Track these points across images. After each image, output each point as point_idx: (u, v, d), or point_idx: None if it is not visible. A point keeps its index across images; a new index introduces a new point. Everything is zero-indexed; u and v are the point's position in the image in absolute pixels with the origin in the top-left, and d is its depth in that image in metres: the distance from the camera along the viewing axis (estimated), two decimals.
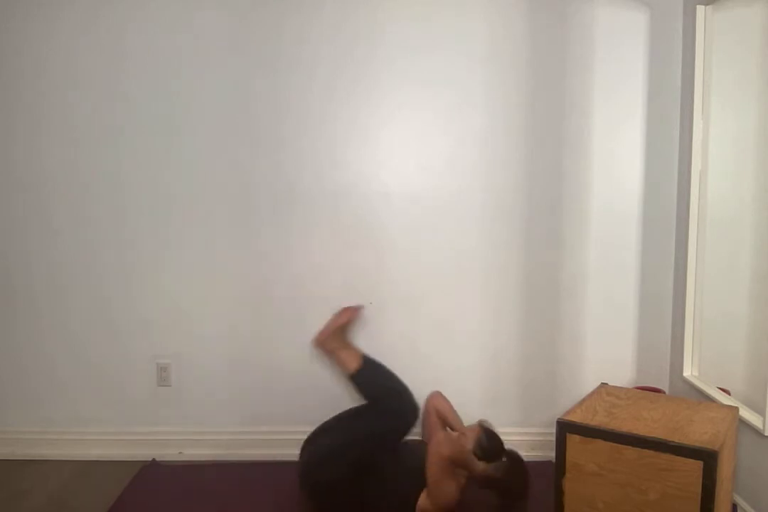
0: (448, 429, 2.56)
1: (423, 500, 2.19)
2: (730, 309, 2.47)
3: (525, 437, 2.80)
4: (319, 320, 2.76)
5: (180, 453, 2.81)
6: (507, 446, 2.33)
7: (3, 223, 2.76)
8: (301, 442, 2.42)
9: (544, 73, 2.69)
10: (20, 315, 2.80)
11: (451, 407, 2.60)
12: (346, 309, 2.59)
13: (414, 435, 2.57)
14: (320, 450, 2.30)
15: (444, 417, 2.56)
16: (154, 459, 2.76)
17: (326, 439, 2.34)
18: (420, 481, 2.20)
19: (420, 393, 2.78)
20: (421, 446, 2.43)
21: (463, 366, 2.82)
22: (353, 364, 2.46)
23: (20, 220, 2.75)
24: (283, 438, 2.77)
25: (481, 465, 2.24)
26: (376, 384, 2.45)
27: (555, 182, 2.74)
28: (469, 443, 2.26)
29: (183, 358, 2.81)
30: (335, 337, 2.53)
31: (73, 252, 2.76)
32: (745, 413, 2.18)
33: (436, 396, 2.64)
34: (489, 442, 2.28)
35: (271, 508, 2.38)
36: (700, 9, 2.49)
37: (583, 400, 2.17)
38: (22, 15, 2.66)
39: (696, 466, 1.78)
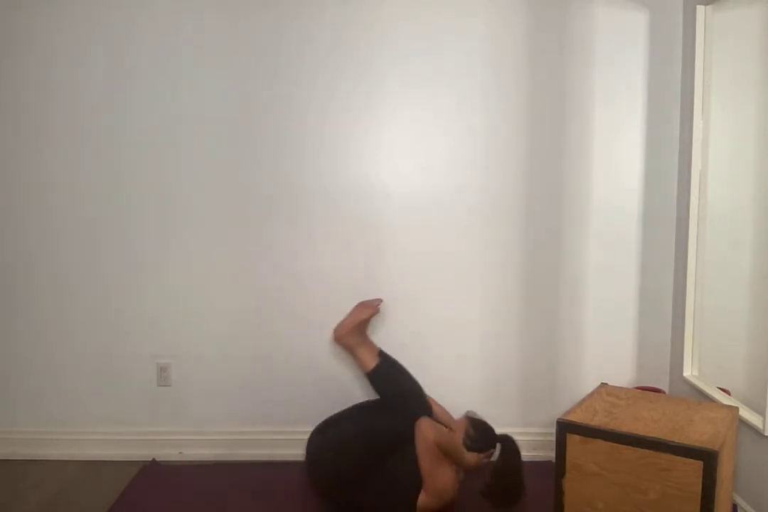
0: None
1: (422, 497, 2.19)
2: (730, 308, 2.47)
3: (525, 437, 2.80)
4: (318, 320, 2.77)
5: (180, 453, 2.81)
6: (499, 432, 2.35)
7: (5, 222, 2.76)
8: (302, 442, 2.41)
9: (544, 73, 2.69)
10: (21, 315, 2.80)
11: (442, 409, 2.60)
12: (364, 305, 2.56)
13: None
14: (327, 444, 2.29)
15: (435, 415, 2.55)
16: (154, 459, 2.76)
17: (335, 432, 2.32)
18: (414, 480, 2.21)
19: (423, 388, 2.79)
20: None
21: (463, 366, 2.82)
22: (371, 362, 2.44)
23: (22, 219, 2.76)
24: (283, 438, 2.78)
25: (474, 457, 2.24)
26: (393, 383, 2.44)
27: (555, 182, 2.74)
28: (459, 436, 2.26)
29: (183, 358, 2.81)
30: (354, 333, 2.49)
31: (74, 252, 2.76)
32: (745, 413, 2.18)
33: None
34: (477, 431, 2.29)
35: (271, 508, 2.38)
36: (700, 9, 2.49)
37: (583, 400, 2.17)
38: (26, 14, 2.66)
39: (696, 466, 1.78)
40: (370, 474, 2.21)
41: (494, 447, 2.30)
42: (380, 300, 2.59)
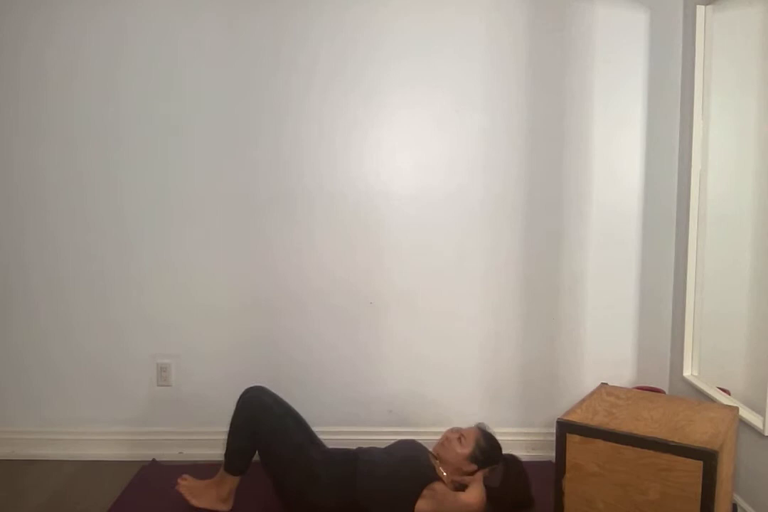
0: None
1: (424, 504, 2.17)
2: (730, 308, 2.47)
3: (525, 437, 2.80)
4: (318, 320, 2.77)
5: (180, 453, 2.81)
6: (504, 448, 2.33)
7: (2, 222, 2.76)
8: None
9: (544, 73, 2.69)
10: (21, 315, 2.80)
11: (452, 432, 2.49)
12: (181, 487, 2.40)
13: (408, 435, 2.57)
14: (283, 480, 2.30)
15: (447, 436, 2.49)
16: (154, 459, 2.76)
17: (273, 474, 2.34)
18: (415, 479, 2.20)
19: (419, 392, 2.80)
20: (417, 444, 2.43)
21: (462, 366, 2.82)
22: (230, 481, 2.35)
23: (19, 220, 2.75)
24: None
25: (477, 472, 2.23)
26: (236, 453, 2.33)
27: (555, 182, 2.74)
28: (468, 445, 2.25)
29: (183, 358, 2.81)
30: (204, 498, 2.35)
31: (73, 252, 2.76)
32: (745, 413, 2.17)
33: (451, 429, 2.52)
34: (487, 444, 2.27)
35: (271, 508, 2.38)
36: (700, 9, 2.49)
37: (583, 400, 2.17)
38: (20, 14, 2.66)
39: (696, 466, 1.78)
40: (360, 475, 2.22)
41: (498, 463, 2.28)
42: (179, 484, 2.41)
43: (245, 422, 2.33)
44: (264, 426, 2.30)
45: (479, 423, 2.38)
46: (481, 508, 2.15)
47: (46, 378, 2.82)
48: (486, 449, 2.26)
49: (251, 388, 2.41)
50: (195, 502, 2.34)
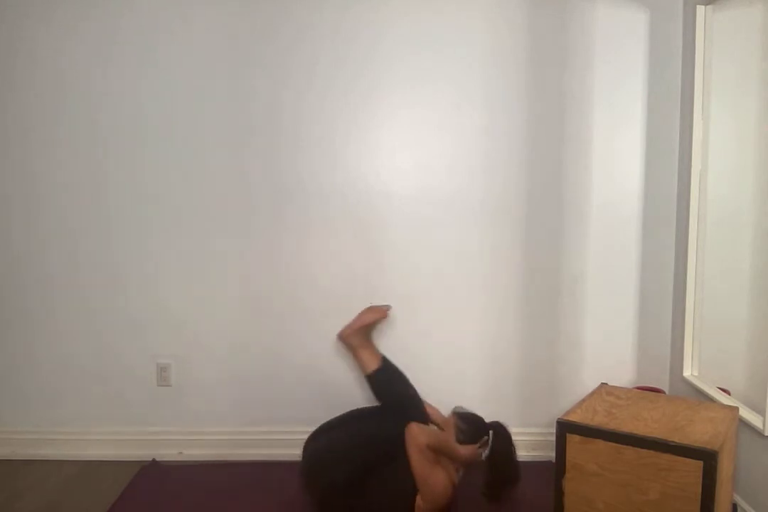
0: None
1: (419, 500, 2.19)
2: (730, 309, 2.47)
3: (525, 437, 2.80)
4: (318, 320, 2.77)
5: (180, 453, 2.81)
6: (489, 420, 2.39)
7: (12, 224, 2.76)
8: (302, 442, 2.41)
9: (544, 72, 2.69)
10: (20, 315, 2.80)
11: (433, 408, 2.60)
12: (373, 309, 2.58)
13: None
14: (324, 451, 2.28)
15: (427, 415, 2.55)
16: (154, 459, 2.76)
17: (329, 438, 2.32)
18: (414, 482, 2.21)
19: (419, 392, 2.78)
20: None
21: (463, 366, 2.82)
22: (372, 365, 2.46)
23: (21, 220, 2.75)
24: (283, 438, 2.77)
25: (470, 449, 2.25)
26: (392, 388, 2.46)
27: (555, 182, 2.74)
28: (450, 434, 2.27)
29: (183, 358, 2.81)
30: (359, 334, 2.51)
31: (74, 252, 2.76)
32: (745, 413, 2.17)
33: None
34: (466, 424, 2.29)
35: (271, 508, 2.38)
36: (700, 9, 2.49)
37: (583, 400, 2.17)
38: (12, 14, 2.66)
39: (696, 466, 1.78)
40: (367, 480, 2.21)
41: (487, 434, 2.31)
42: (389, 307, 2.61)
43: (416, 402, 2.46)
44: (411, 402, 2.41)
45: (455, 407, 2.44)
46: (426, 436, 2.19)
47: (46, 379, 2.82)
48: (466, 429, 2.30)
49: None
50: (357, 322, 2.51)
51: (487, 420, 2.44)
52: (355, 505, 2.21)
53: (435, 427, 2.41)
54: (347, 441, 2.28)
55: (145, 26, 2.67)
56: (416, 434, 2.17)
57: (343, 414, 2.44)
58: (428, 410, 2.57)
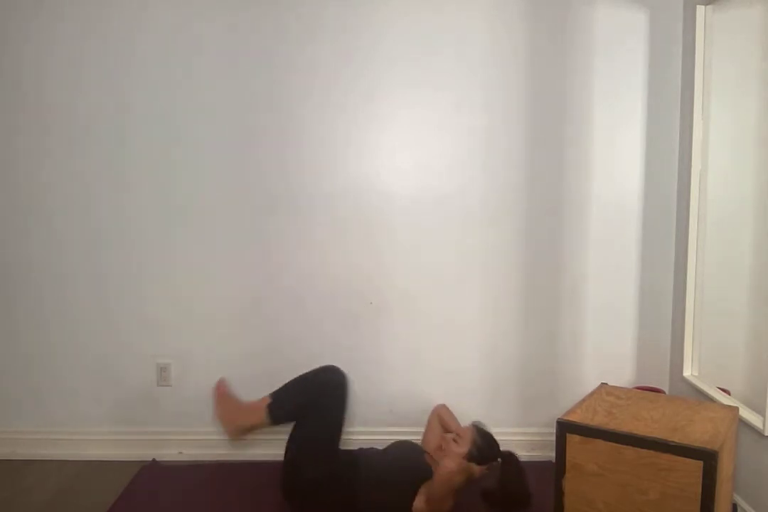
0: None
1: (420, 503, 2.19)
2: (730, 308, 2.47)
3: (525, 437, 2.80)
4: (319, 320, 2.77)
5: (180, 453, 2.81)
6: (503, 447, 2.34)
7: (6, 223, 2.76)
8: None
9: (544, 73, 2.69)
10: (21, 315, 2.80)
11: (452, 416, 2.59)
12: (214, 392, 2.41)
13: (408, 435, 2.57)
14: (295, 451, 2.31)
15: (445, 423, 2.55)
16: (154, 459, 2.76)
17: (294, 447, 2.34)
18: (411, 480, 2.22)
19: (420, 392, 2.79)
20: (414, 445, 2.44)
21: (463, 366, 2.82)
22: (259, 417, 2.30)
23: (23, 220, 2.75)
24: (283, 438, 2.76)
25: (475, 469, 2.23)
26: (290, 408, 2.33)
27: (555, 182, 2.74)
28: (465, 444, 2.25)
29: (183, 358, 2.81)
30: (233, 415, 2.33)
31: (74, 253, 2.76)
32: (745, 413, 2.17)
33: (442, 406, 2.64)
34: (484, 442, 2.28)
35: (271, 508, 2.38)
36: (700, 9, 2.49)
37: (583, 400, 2.17)
38: (24, 15, 2.66)
39: (696, 466, 1.78)
40: (357, 475, 2.24)
41: (496, 460, 2.29)
42: (223, 380, 2.44)
43: (319, 384, 2.32)
44: (330, 400, 2.30)
45: (475, 421, 2.39)
46: (459, 468, 2.18)
47: (47, 379, 2.82)
48: (483, 447, 2.27)
49: (341, 371, 2.38)
50: (218, 409, 2.31)
51: (488, 421, 2.43)
52: (344, 503, 2.22)
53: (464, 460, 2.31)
54: (308, 439, 2.30)
55: (154, 29, 2.67)
56: (453, 472, 2.17)
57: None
58: (445, 411, 2.56)
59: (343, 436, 2.37)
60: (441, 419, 2.57)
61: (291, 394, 2.35)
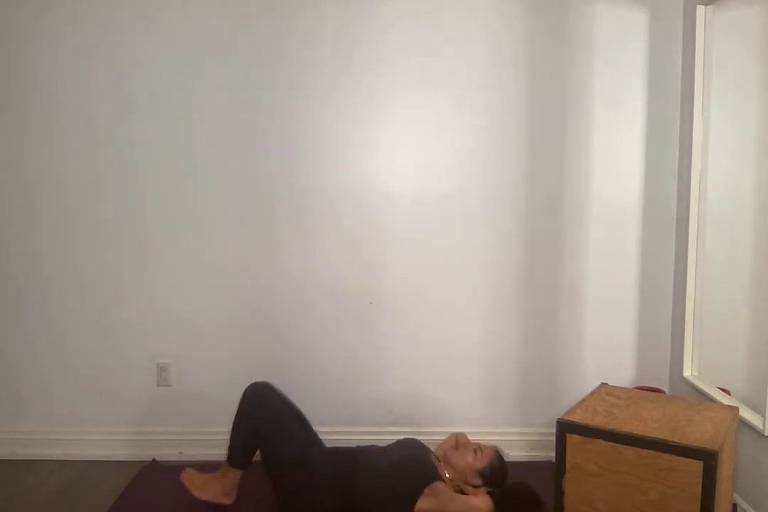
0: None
1: (425, 503, 2.18)
2: (731, 309, 2.47)
3: (525, 437, 2.80)
4: (319, 320, 2.77)
5: (180, 453, 2.81)
6: (503, 447, 2.34)
7: (12, 221, 2.76)
8: None
9: (544, 73, 2.69)
10: (21, 316, 2.80)
11: (468, 440, 2.47)
12: (183, 481, 2.38)
13: (408, 434, 2.57)
14: (272, 472, 2.31)
15: (463, 442, 2.45)
16: (154, 459, 2.76)
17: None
18: (416, 478, 2.21)
19: (419, 392, 2.79)
20: (419, 444, 2.43)
21: (462, 366, 2.81)
22: (226, 473, 2.33)
23: (30, 218, 2.76)
24: None
25: (479, 491, 2.24)
26: (239, 450, 2.33)
27: (555, 182, 2.74)
28: (484, 460, 2.26)
29: (183, 358, 2.81)
30: (207, 490, 2.34)
31: (74, 254, 2.76)
32: (745, 413, 2.17)
33: (461, 434, 2.50)
34: (499, 464, 2.29)
35: (271, 508, 2.38)
36: (700, 9, 2.49)
37: (583, 400, 2.17)
38: (30, 15, 2.66)
39: (696, 466, 1.78)
40: (356, 472, 2.24)
41: (500, 487, 2.27)
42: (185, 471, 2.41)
43: (247, 418, 2.33)
44: (265, 423, 2.29)
45: (495, 446, 2.40)
46: (488, 510, 2.16)
47: (46, 379, 2.82)
48: (497, 470, 2.28)
49: (256, 384, 2.41)
50: (198, 494, 2.33)
51: (488, 421, 2.43)
52: (345, 500, 2.22)
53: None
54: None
55: (159, 29, 2.67)
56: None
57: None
58: (462, 436, 2.46)
59: (311, 434, 2.37)
60: (459, 439, 2.46)
61: (235, 441, 2.33)
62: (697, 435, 1.87)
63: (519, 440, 2.78)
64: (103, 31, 2.67)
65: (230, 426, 2.32)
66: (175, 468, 2.66)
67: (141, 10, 2.66)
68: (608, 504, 1.93)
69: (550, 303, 2.79)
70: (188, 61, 2.68)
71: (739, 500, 2.26)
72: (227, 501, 2.35)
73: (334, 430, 2.68)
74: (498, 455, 2.33)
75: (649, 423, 1.97)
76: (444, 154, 2.73)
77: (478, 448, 2.32)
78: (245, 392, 2.39)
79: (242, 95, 2.70)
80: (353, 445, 2.44)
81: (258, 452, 2.31)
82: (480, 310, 2.80)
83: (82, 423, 2.83)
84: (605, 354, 2.81)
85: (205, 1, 2.66)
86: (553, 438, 2.03)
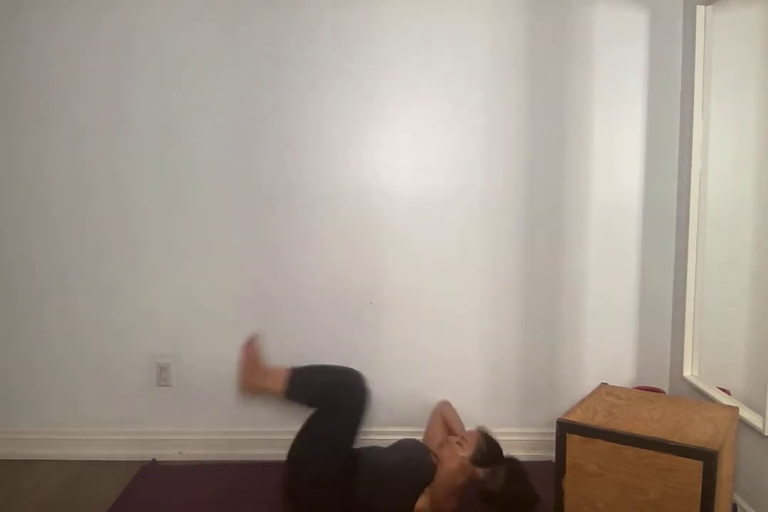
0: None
1: (423, 503, 2.20)
2: (730, 309, 2.47)
3: (525, 437, 2.80)
4: (319, 320, 2.77)
5: (180, 453, 2.81)
6: (506, 453, 2.33)
7: (6, 221, 2.76)
8: None
9: (544, 73, 2.69)
10: (21, 316, 2.80)
11: (456, 414, 2.60)
12: (243, 349, 2.42)
13: (408, 435, 2.57)
14: (296, 457, 2.30)
15: (448, 422, 2.56)
16: (154, 459, 2.76)
17: (300, 444, 2.32)
18: (417, 478, 2.22)
19: (420, 392, 2.79)
20: (419, 444, 2.44)
21: (463, 366, 2.81)
22: (279, 386, 2.31)
23: (24, 218, 2.75)
24: (283, 438, 2.76)
25: (479, 473, 2.24)
26: (312, 391, 2.32)
27: (555, 182, 2.74)
28: (469, 448, 2.26)
29: (183, 358, 2.81)
30: (253, 375, 2.36)
31: (73, 253, 2.76)
32: (745, 413, 2.18)
33: (445, 403, 2.65)
34: (488, 447, 2.28)
35: (271, 508, 2.38)
36: (700, 9, 2.49)
37: (583, 400, 2.17)
38: (25, 15, 2.66)
39: (696, 466, 1.78)
40: (358, 475, 2.23)
41: (499, 464, 2.28)
42: (257, 335, 2.45)
43: (346, 386, 2.30)
44: (347, 407, 2.27)
45: (480, 426, 2.39)
46: (461, 468, 2.19)
47: (46, 378, 2.81)
48: (486, 452, 2.27)
49: (366, 386, 2.33)
50: (241, 369, 2.34)
51: (488, 421, 2.43)
52: (343, 504, 2.21)
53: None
54: (310, 447, 2.29)
55: (155, 28, 2.67)
56: (456, 473, 2.20)
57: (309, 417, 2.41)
58: (449, 409, 2.56)
59: (353, 445, 2.33)
60: (445, 419, 2.58)
61: (317, 377, 2.34)
62: (697, 435, 1.87)
63: (519, 440, 2.77)
64: (95, 30, 2.66)
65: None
66: (175, 468, 2.67)
67: (136, 9, 2.66)
68: (608, 504, 1.93)
69: (550, 303, 2.79)
70: (186, 61, 2.68)
71: (739, 500, 2.26)
72: (244, 393, 2.39)
73: None
74: (484, 436, 2.31)
75: (649, 423, 1.97)
76: (444, 154, 2.73)
77: (461, 439, 2.31)
78: (358, 373, 2.34)
79: (241, 95, 2.70)
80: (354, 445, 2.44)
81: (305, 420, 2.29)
82: (480, 310, 2.80)
83: (82, 424, 2.82)
84: (605, 354, 2.81)
85: (203, 0, 2.66)
86: (553, 438, 2.03)
